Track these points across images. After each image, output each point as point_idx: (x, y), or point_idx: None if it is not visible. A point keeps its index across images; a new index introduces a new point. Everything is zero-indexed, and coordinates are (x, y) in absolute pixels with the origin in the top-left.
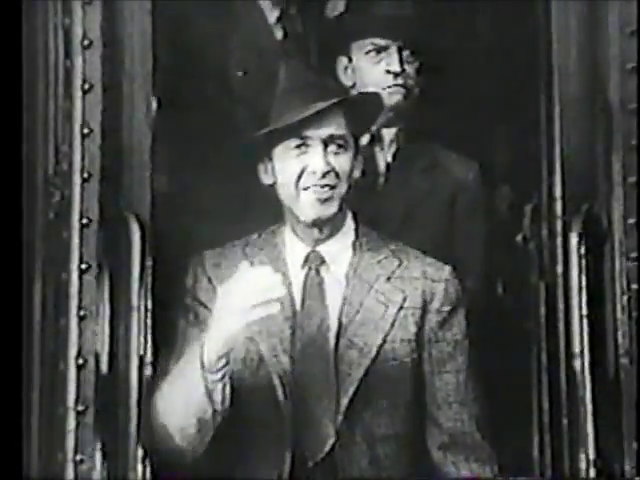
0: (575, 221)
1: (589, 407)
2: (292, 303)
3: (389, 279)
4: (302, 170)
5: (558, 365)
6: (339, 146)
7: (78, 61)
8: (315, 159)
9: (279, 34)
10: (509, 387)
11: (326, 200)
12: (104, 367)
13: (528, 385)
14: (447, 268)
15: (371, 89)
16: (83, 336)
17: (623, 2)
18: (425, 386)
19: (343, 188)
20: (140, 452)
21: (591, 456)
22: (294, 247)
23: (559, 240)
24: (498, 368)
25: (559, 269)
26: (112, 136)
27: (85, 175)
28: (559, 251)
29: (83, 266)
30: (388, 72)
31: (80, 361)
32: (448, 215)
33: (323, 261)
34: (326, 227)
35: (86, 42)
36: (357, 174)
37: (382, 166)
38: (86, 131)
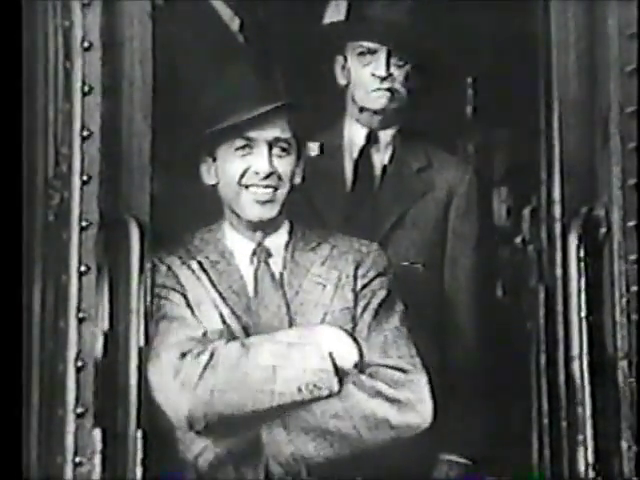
0: (574, 224)
1: (588, 409)
2: (247, 294)
3: (323, 263)
4: (245, 170)
5: (557, 367)
6: (283, 149)
7: (78, 63)
8: (259, 160)
9: (240, 39)
10: (508, 389)
11: (267, 202)
12: (103, 369)
13: (527, 387)
14: (374, 244)
15: (359, 91)
16: (82, 338)
17: (623, 4)
18: None
19: (284, 191)
20: (139, 454)
21: (590, 458)
22: (237, 243)
23: (558, 243)
24: (497, 370)
25: (558, 271)
26: (111, 138)
27: (85, 177)
28: (558, 254)
29: (82, 268)
30: (374, 75)
31: (79, 363)
32: (442, 216)
33: (269, 254)
34: (267, 228)
35: (86, 44)
36: (298, 180)
37: (378, 168)
38: (86, 133)
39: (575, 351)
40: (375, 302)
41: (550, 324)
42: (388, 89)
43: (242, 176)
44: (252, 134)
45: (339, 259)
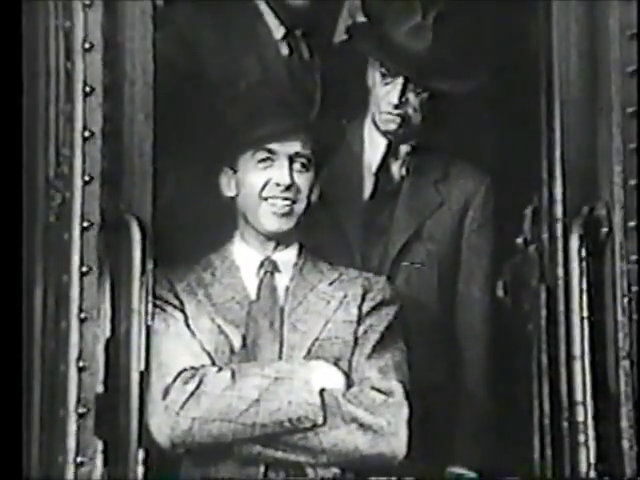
0: (576, 223)
1: (590, 409)
2: (248, 302)
3: (331, 284)
4: (266, 182)
5: (558, 367)
6: (303, 165)
7: (79, 64)
8: (280, 172)
9: (285, 51)
10: (510, 389)
11: (285, 215)
12: (105, 370)
13: (529, 387)
14: (383, 277)
15: (375, 105)
16: (84, 339)
17: (623, 5)
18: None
19: (302, 206)
20: (141, 454)
21: (592, 459)
22: (246, 256)
23: (560, 242)
24: (499, 370)
25: (560, 271)
26: (113, 139)
27: (86, 178)
28: (560, 253)
29: (84, 269)
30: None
31: (81, 364)
32: (458, 227)
33: (277, 267)
34: (279, 241)
35: (87, 45)
36: (315, 197)
37: (397, 178)
38: (87, 134)
39: (576, 351)
40: (382, 326)
41: (551, 324)
42: (399, 115)
43: (263, 188)
44: (275, 147)
45: (347, 283)
